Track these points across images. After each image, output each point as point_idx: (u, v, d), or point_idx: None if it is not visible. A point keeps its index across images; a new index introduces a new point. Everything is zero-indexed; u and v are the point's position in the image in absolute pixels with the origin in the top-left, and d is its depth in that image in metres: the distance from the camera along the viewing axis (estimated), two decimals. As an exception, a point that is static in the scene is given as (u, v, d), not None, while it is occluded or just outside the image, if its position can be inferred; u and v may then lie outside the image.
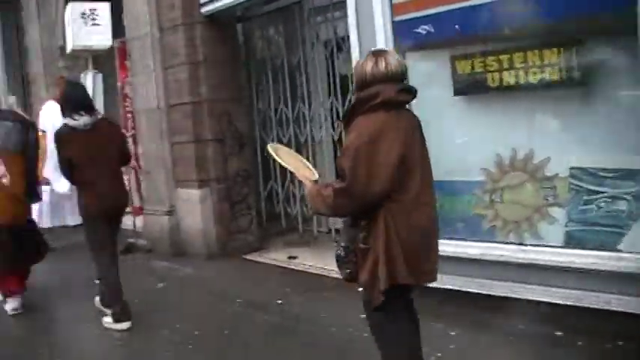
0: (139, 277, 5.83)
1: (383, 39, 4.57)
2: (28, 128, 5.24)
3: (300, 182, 5.74)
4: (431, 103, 4.64)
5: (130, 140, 6.74)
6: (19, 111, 5.67)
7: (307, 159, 3.31)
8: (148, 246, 6.68)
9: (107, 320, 4.57)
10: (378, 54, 2.75)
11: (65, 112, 4.53)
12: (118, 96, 7.23)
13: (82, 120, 4.44)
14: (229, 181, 6.33)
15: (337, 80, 6.27)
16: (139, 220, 6.96)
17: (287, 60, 6.52)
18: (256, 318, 4.51)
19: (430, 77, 4.59)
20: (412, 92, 2.78)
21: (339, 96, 6.15)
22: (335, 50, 5.99)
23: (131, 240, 6.86)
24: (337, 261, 2.85)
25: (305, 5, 6.31)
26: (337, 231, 6.30)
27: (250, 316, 4.57)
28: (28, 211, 5.29)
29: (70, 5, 6.60)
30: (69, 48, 6.72)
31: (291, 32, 6.54)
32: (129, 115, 6.85)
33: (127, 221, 7.26)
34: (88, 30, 6.31)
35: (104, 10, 6.42)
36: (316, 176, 2.94)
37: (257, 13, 6.36)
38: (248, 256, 6.30)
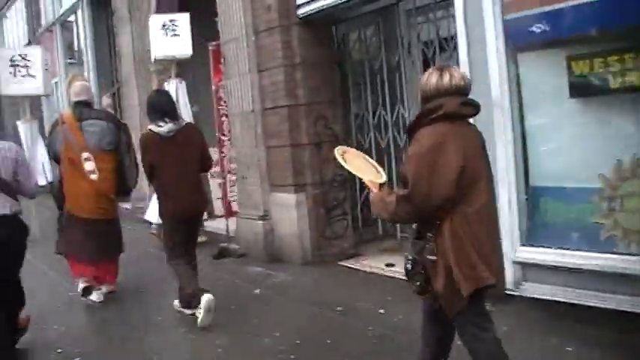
0: (235, 282, 6.18)
1: (493, 38, 4.65)
2: (120, 129, 5.80)
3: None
4: (544, 106, 4.71)
5: (225, 144, 7.09)
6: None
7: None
8: (240, 250, 6.98)
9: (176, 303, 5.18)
10: (442, 68, 2.99)
11: (150, 119, 5.03)
12: (211, 99, 7.59)
13: (165, 127, 4.91)
14: (325, 186, 6.53)
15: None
16: (232, 224, 7.26)
17: (386, 62, 6.64)
18: (358, 327, 4.65)
19: (544, 79, 4.65)
20: (475, 106, 3.00)
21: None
22: (438, 51, 6.06)
23: (224, 244, 7.18)
24: (406, 274, 3.06)
25: (404, 5, 6.41)
26: None
27: (352, 325, 4.73)
28: (115, 208, 5.88)
29: (152, 17, 7.14)
30: (152, 57, 7.24)
31: (390, 33, 6.68)
32: (223, 119, 7.17)
33: (220, 225, 7.70)
34: (168, 40, 6.74)
35: (184, 21, 6.81)
36: (384, 178, 3.17)
37: (354, 15, 6.51)
38: (343, 263, 6.49)
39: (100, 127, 5.64)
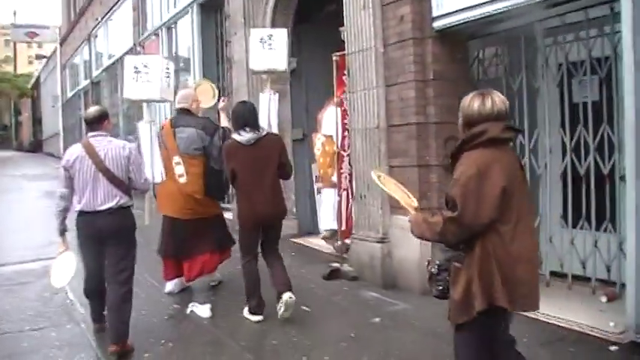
0: (351, 307, 5.90)
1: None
2: (213, 135, 6.19)
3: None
4: None
5: (345, 160, 6.85)
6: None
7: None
8: (353, 273, 6.70)
9: (245, 310, 5.58)
10: (484, 93, 3.21)
11: (234, 128, 5.55)
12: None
13: (246, 136, 5.41)
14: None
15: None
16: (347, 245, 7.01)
17: (526, 83, 6.24)
18: None
19: None
20: (516, 130, 3.33)
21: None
22: (589, 72, 5.65)
23: (335, 264, 6.93)
24: (429, 278, 3.34)
25: (549, 23, 6.00)
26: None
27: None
28: (214, 207, 6.41)
29: (252, 30, 7.16)
30: (249, 68, 7.22)
31: (529, 53, 6.28)
32: (345, 134, 6.93)
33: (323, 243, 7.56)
34: (264, 54, 6.72)
35: (281, 36, 6.78)
36: (416, 204, 3.55)
37: (491, 31, 6.15)
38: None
39: (188, 134, 6.16)
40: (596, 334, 4.87)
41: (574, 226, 6.12)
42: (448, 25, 5.93)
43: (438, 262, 3.28)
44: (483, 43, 6.55)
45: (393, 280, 6.38)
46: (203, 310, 5.78)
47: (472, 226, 3.03)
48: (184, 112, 6.30)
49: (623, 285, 5.65)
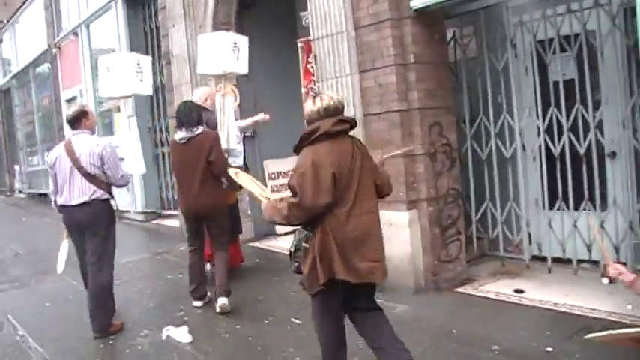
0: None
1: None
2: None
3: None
4: None
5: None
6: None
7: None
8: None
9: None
10: (316, 95, 3.80)
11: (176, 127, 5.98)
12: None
13: (180, 135, 5.82)
14: (440, 203, 5.85)
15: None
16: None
17: (488, 63, 6.04)
18: None
19: None
20: (349, 122, 3.77)
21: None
22: (558, 51, 5.50)
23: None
24: (289, 255, 3.85)
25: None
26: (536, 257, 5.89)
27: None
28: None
29: (206, 35, 6.98)
30: (204, 71, 6.79)
31: (496, 32, 6.08)
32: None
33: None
34: (227, 56, 6.47)
35: (243, 43, 6.59)
36: (269, 194, 3.95)
37: (469, 9, 5.87)
38: (462, 290, 5.82)
39: None
40: (616, 319, 4.68)
41: (550, 208, 6.02)
42: (427, 4, 5.59)
43: (295, 242, 3.80)
44: (460, 22, 6.28)
45: (382, 280, 6.01)
46: (181, 334, 5.21)
47: (310, 209, 3.54)
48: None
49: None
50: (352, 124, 3.79)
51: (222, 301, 5.69)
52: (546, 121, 5.92)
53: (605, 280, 5.45)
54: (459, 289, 5.83)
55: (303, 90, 6.47)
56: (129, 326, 5.57)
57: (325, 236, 3.54)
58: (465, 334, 4.74)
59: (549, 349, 4.30)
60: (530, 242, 6.22)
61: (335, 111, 3.68)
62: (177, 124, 5.85)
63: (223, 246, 5.99)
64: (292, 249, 3.81)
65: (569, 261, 5.90)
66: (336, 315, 3.81)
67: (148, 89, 6.74)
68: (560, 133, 5.81)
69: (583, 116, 5.68)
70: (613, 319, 4.71)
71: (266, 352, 4.79)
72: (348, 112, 5.96)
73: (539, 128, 6.02)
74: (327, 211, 3.54)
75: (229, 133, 6.43)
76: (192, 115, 5.84)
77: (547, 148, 5.97)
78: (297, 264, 3.76)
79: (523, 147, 6.16)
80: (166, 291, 6.73)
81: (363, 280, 3.62)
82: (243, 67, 6.57)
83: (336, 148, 3.61)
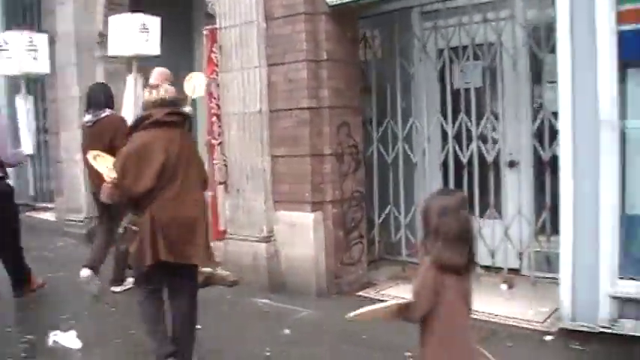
0: (249, 320, 5.25)
1: (607, 51, 4.23)
2: None
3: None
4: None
5: (217, 149, 6.13)
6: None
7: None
8: (232, 277, 6.03)
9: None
10: (152, 86, 4.10)
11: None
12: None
13: (87, 117, 5.87)
14: (344, 205, 5.81)
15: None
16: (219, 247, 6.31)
17: (399, 67, 6.14)
18: None
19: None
20: (182, 115, 4.06)
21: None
22: (472, 58, 5.72)
23: (207, 269, 6.19)
24: (120, 237, 4.22)
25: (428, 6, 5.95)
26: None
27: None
28: None
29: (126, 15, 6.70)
30: (115, 52, 6.74)
31: (413, 36, 6.17)
32: (214, 120, 6.16)
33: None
34: (136, 38, 6.46)
35: (154, 24, 6.59)
36: (114, 175, 3.88)
37: (384, 10, 5.88)
38: (363, 294, 5.79)
39: None
40: (523, 325, 4.84)
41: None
42: (344, 1, 5.53)
43: (125, 225, 4.05)
44: (373, 23, 6.27)
45: (281, 282, 5.86)
46: (69, 339, 4.76)
47: (130, 191, 3.79)
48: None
49: (510, 270, 5.82)
50: (185, 117, 4.11)
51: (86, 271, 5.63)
52: (455, 128, 5.98)
53: (504, 287, 5.69)
54: (361, 293, 5.79)
55: (205, 80, 6.16)
56: (9, 331, 5.04)
57: (151, 220, 3.77)
58: (376, 340, 4.69)
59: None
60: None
61: (169, 103, 3.96)
62: (86, 105, 5.92)
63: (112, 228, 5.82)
64: (121, 230, 4.20)
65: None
66: (158, 294, 4.07)
67: (44, 68, 6.62)
68: (469, 140, 5.90)
69: (491, 125, 5.84)
70: (513, 324, 4.89)
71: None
72: (255, 107, 5.84)
73: (447, 134, 6.09)
74: (153, 196, 3.78)
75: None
76: (101, 97, 5.86)
77: (455, 154, 6.02)
78: (124, 246, 4.16)
79: (424, 152, 6.27)
80: (48, 291, 6.16)
81: (185, 262, 3.92)
82: (153, 49, 6.49)
83: (166, 137, 3.86)
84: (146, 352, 4.18)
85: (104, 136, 5.60)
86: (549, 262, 5.66)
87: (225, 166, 6.14)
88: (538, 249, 5.69)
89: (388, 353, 4.45)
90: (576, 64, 4.39)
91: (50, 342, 4.71)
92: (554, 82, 5.57)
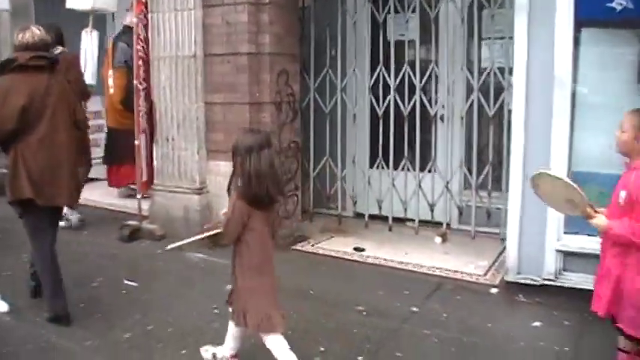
0: (191, 275, 5.07)
1: (566, 10, 4.33)
2: None
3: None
4: (611, 87, 4.56)
5: (142, 95, 5.76)
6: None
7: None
8: (159, 231, 5.79)
9: None
10: (23, 29, 4.03)
11: None
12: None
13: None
14: (281, 155, 5.68)
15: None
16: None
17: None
18: (417, 333, 4.04)
19: (613, 59, 4.50)
20: (47, 58, 4.02)
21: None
22: (393, 12, 5.76)
23: (133, 222, 5.91)
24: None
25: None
26: (371, 216, 6.15)
27: (406, 331, 4.11)
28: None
29: None
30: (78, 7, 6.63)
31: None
32: (140, 63, 5.76)
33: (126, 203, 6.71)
34: None
35: None
36: None
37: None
38: (299, 247, 5.77)
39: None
40: (466, 278, 5.00)
41: (395, 168, 6.20)
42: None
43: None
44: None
45: (214, 236, 5.68)
46: None
47: None
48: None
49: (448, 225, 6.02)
50: (52, 60, 4.08)
51: None
52: (398, 80, 6.01)
53: (437, 240, 5.85)
54: (297, 247, 5.77)
55: (133, 19, 5.72)
56: None
57: (17, 159, 3.89)
58: (325, 295, 4.67)
59: (415, 309, 4.42)
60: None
61: (34, 46, 3.96)
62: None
63: None
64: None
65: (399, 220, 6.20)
66: (42, 233, 4.11)
67: (112, 5, 6.63)
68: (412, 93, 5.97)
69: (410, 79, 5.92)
70: (456, 277, 5.04)
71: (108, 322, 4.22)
72: (189, 50, 5.54)
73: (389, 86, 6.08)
74: (19, 138, 3.87)
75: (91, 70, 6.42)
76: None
77: (396, 106, 6.05)
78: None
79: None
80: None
81: (49, 204, 4.02)
82: (111, 4, 6.46)
83: (30, 80, 3.90)
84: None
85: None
86: (489, 217, 5.92)
87: (149, 113, 5.81)
88: (479, 204, 5.90)
89: (339, 308, 4.44)
90: (533, 18, 4.45)
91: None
92: (488, 38, 5.81)
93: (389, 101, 5.94)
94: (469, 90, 5.79)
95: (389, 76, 5.97)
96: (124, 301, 4.54)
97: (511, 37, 5.48)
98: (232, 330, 3.47)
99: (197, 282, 4.93)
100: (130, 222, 5.94)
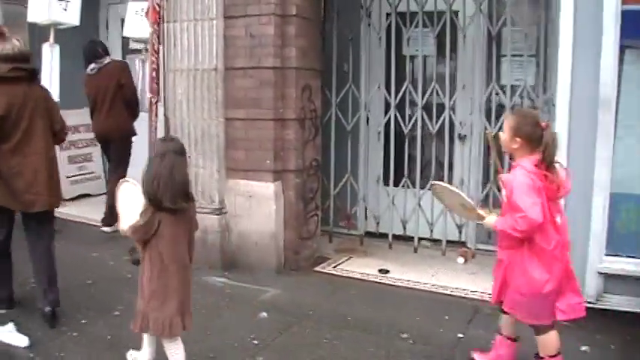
0: (215, 301, 4.86)
1: (612, 29, 4.40)
2: None
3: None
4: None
5: (160, 109, 5.59)
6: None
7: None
8: (171, 253, 5.60)
9: None
10: (5, 39, 4.19)
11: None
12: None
13: (90, 66, 6.66)
14: (304, 174, 5.59)
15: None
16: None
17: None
18: None
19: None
20: (26, 70, 4.20)
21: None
22: (421, 26, 5.77)
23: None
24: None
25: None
26: (395, 236, 6.10)
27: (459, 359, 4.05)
28: None
29: None
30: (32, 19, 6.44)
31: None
32: (154, 75, 5.57)
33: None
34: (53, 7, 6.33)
35: None
36: None
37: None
38: (321, 269, 5.67)
39: None
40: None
41: (395, 185, 6.16)
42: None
43: None
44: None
45: (233, 259, 5.54)
46: (13, 337, 4.09)
47: None
48: None
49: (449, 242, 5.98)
50: (31, 72, 4.29)
51: None
52: (398, 97, 5.99)
53: (460, 260, 5.83)
54: (318, 269, 5.66)
55: (149, 30, 5.55)
56: None
57: None
58: (363, 322, 4.54)
59: (460, 335, 4.37)
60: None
61: (14, 58, 4.15)
62: (86, 62, 6.58)
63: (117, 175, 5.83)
64: None
65: (409, 239, 6.13)
66: (30, 237, 4.40)
67: (74, 19, 6.45)
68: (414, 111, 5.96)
69: (438, 95, 5.86)
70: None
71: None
72: (209, 63, 5.41)
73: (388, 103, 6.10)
74: None
75: (53, 85, 6.21)
76: (97, 49, 6.61)
77: (397, 124, 6.07)
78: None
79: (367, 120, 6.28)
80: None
81: (27, 210, 4.27)
82: (72, 18, 6.44)
83: (8, 92, 4.11)
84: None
85: (112, 79, 6.46)
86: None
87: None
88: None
89: (383, 336, 4.35)
90: (578, 41, 4.51)
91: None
92: (505, 55, 5.85)
93: (415, 119, 5.88)
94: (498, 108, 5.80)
95: (415, 92, 5.94)
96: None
97: (530, 56, 5.68)
98: (145, 336, 3.57)
99: (226, 310, 4.75)
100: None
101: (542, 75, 5.64)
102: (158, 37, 5.61)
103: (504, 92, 5.61)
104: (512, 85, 5.60)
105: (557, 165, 3.39)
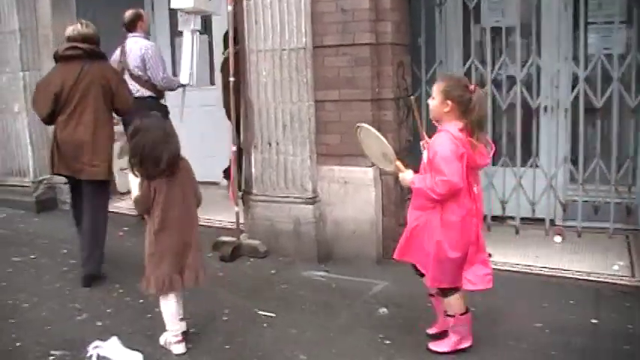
0: (325, 299, 4.72)
1: None
2: None
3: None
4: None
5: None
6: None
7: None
8: (263, 247, 5.47)
9: None
10: (70, 25, 4.99)
11: None
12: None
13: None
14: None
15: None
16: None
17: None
18: (617, 349, 3.86)
19: None
20: (82, 49, 4.79)
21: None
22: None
23: (229, 238, 5.57)
24: None
25: None
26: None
27: (604, 347, 3.90)
28: None
29: None
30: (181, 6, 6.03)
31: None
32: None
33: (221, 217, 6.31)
34: None
35: None
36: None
37: None
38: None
39: None
40: (618, 282, 4.84)
41: (493, 165, 5.99)
42: None
43: None
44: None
45: (328, 250, 5.41)
46: (115, 350, 3.82)
47: (36, 112, 5.01)
48: None
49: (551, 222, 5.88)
50: (88, 51, 4.80)
51: None
52: (494, 73, 5.83)
53: (558, 239, 5.70)
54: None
55: (229, 8, 5.38)
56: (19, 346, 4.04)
57: (54, 137, 4.91)
58: (490, 311, 4.42)
59: (594, 320, 4.24)
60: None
61: (73, 39, 4.83)
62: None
63: None
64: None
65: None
66: (76, 199, 5.10)
67: (217, 8, 6.30)
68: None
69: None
70: (607, 280, 4.89)
71: None
72: (297, 42, 5.24)
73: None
74: (55, 120, 4.85)
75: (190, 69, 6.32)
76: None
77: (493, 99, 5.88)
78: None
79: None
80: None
81: (76, 176, 4.89)
82: (215, 7, 6.26)
83: (64, 69, 4.81)
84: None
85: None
86: (596, 212, 5.80)
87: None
88: (585, 198, 5.78)
89: (516, 325, 4.22)
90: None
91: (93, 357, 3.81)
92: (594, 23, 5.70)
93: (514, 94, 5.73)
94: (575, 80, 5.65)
95: (484, 66, 5.79)
96: (269, 338, 4.13)
97: (622, 22, 5.52)
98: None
99: (339, 307, 4.58)
100: (225, 238, 5.60)
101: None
102: (235, 15, 5.44)
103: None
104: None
105: (483, 134, 3.56)
